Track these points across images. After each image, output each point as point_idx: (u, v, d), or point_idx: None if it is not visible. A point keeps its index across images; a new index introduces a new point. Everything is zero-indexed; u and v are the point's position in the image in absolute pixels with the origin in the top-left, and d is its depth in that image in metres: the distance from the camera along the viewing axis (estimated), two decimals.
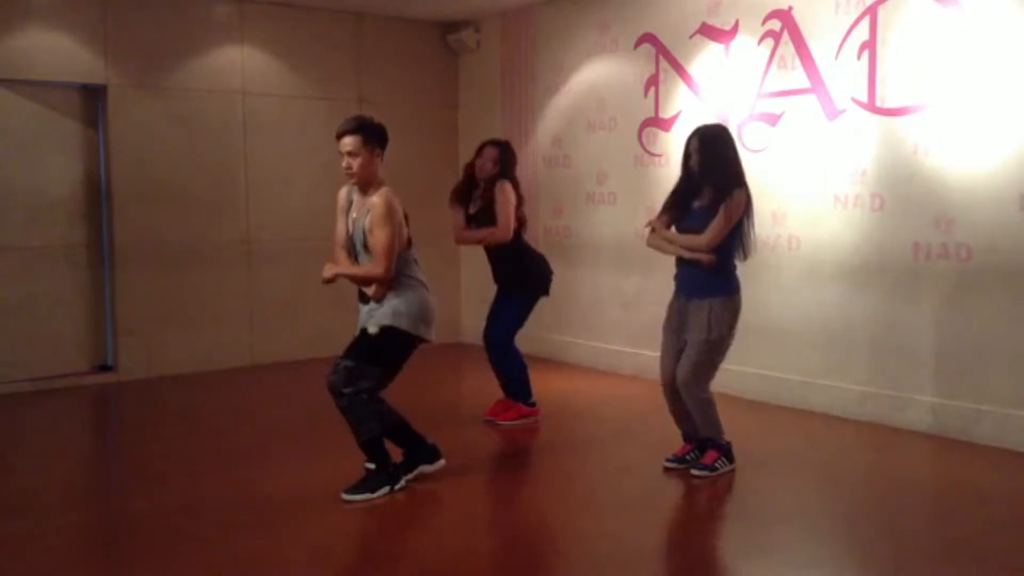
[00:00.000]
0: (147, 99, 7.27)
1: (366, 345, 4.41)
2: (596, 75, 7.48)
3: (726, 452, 4.81)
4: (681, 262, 4.73)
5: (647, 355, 7.04)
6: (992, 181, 5.13)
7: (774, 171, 6.21)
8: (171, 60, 7.36)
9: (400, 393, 4.61)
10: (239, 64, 7.68)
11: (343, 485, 4.42)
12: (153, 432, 5.89)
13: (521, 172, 6.04)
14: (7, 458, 5.28)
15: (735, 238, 4.64)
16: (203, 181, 7.54)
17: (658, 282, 6.92)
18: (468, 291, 8.85)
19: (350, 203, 4.58)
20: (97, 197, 7.27)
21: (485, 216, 5.67)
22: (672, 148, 6.91)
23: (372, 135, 4.44)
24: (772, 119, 6.21)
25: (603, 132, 7.25)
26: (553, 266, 5.99)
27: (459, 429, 5.69)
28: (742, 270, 4.75)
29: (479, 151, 5.77)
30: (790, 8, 6.05)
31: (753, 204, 4.66)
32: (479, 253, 6.13)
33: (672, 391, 4.79)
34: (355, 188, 4.55)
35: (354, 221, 4.50)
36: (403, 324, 4.40)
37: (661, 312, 4.88)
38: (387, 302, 4.42)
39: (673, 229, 4.81)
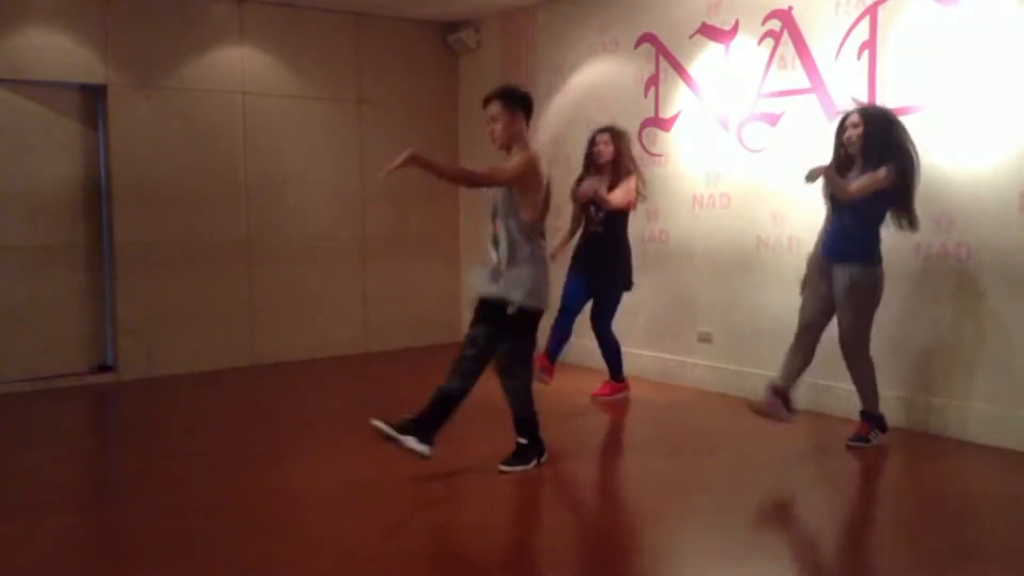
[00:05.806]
0: (147, 99, 7.28)
1: (510, 325, 4.68)
2: (596, 75, 7.48)
3: (879, 423, 5.21)
4: (837, 224, 5.07)
5: (644, 355, 7.04)
6: (992, 181, 5.14)
7: (774, 171, 6.21)
8: (171, 60, 7.36)
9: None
10: (239, 64, 7.68)
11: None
12: (153, 432, 5.89)
13: None
14: (6, 459, 5.28)
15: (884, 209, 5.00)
16: (203, 181, 7.54)
17: (655, 283, 6.93)
18: (468, 291, 8.83)
19: None
20: (97, 197, 7.27)
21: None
22: (672, 148, 6.91)
23: (513, 100, 4.68)
24: (772, 119, 6.21)
25: None
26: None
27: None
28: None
29: (593, 139, 6.21)
30: (790, 8, 6.05)
31: (914, 177, 4.95)
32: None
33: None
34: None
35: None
36: (533, 303, 4.66)
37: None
38: (517, 278, 4.62)
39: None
